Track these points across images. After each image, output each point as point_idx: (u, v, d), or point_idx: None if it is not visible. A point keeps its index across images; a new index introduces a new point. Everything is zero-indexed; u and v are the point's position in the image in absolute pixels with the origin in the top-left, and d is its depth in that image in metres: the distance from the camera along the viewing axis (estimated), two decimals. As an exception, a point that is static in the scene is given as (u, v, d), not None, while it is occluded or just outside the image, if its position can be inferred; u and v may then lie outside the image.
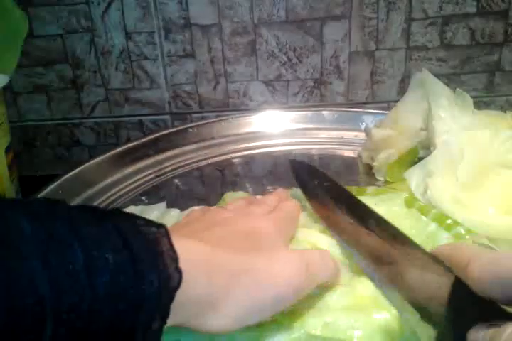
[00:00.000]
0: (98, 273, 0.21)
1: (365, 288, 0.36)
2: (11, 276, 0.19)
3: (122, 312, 0.22)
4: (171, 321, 0.24)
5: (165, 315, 0.24)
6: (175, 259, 0.24)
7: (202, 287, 0.26)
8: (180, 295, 0.24)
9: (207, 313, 0.27)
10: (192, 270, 0.25)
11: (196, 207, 0.48)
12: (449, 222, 0.44)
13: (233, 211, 0.39)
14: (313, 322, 0.33)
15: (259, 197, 0.47)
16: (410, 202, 0.46)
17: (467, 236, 0.42)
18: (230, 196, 0.52)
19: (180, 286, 0.24)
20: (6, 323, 0.19)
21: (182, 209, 0.51)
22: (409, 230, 0.41)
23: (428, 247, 0.32)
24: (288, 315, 0.34)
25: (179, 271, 0.24)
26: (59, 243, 0.21)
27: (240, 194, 0.52)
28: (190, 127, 0.68)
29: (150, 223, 0.26)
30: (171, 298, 0.24)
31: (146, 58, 0.73)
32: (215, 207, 0.45)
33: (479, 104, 0.56)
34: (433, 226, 0.43)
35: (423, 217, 0.45)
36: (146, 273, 0.23)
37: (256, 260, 0.31)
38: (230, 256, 0.29)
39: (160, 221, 0.26)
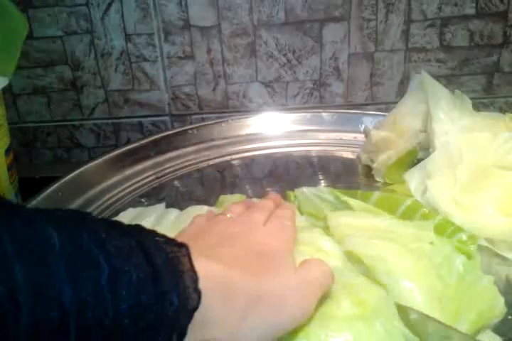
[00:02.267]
0: (122, 288, 0.22)
1: (368, 296, 0.36)
2: (38, 288, 0.19)
3: (142, 330, 0.22)
4: None
5: (182, 334, 0.24)
6: (195, 280, 0.24)
7: (218, 310, 0.26)
8: (197, 317, 0.24)
9: (221, 339, 0.27)
10: (209, 292, 0.25)
11: (197, 208, 0.47)
12: (451, 229, 0.44)
13: (238, 221, 0.38)
14: (316, 334, 0.33)
15: (254, 199, 0.47)
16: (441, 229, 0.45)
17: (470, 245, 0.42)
18: (225, 199, 0.52)
19: (199, 308, 0.24)
20: (30, 334, 0.19)
21: (181, 210, 0.51)
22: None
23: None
24: None
25: (198, 292, 0.24)
26: (86, 256, 0.22)
27: (236, 196, 0.52)
28: (190, 129, 0.68)
29: (171, 241, 0.26)
30: (189, 317, 0.24)
31: (145, 60, 0.74)
32: (214, 208, 0.45)
33: (478, 106, 0.56)
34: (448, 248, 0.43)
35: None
36: (168, 293, 0.23)
37: (271, 285, 0.30)
38: (246, 280, 0.29)
39: (159, 222, 0.26)
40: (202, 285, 0.25)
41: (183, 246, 0.26)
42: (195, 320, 0.24)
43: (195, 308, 0.24)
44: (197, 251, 0.28)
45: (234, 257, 0.32)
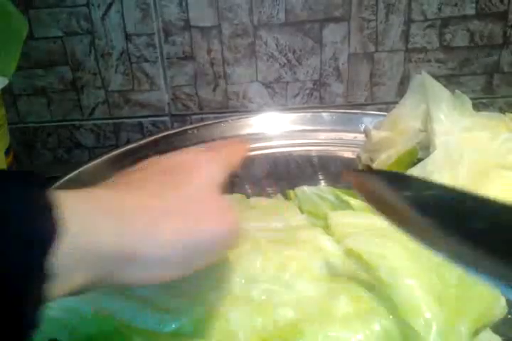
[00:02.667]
0: None
1: (367, 294, 0.36)
2: None
3: None
4: (87, 278, 0.23)
5: (41, 271, 0.21)
6: (48, 208, 0.21)
7: (110, 236, 0.24)
8: (82, 248, 0.22)
9: (127, 265, 0.25)
10: (88, 219, 0.23)
11: None
12: None
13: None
14: (314, 334, 0.33)
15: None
16: None
17: None
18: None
19: (78, 237, 0.22)
20: None
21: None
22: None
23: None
24: (288, 326, 0.33)
25: (53, 223, 0.21)
26: None
27: (235, 196, 0.52)
28: (190, 129, 0.68)
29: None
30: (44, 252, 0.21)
31: (146, 60, 0.74)
32: None
33: (478, 106, 0.56)
34: None
35: None
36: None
37: (179, 201, 0.29)
38: (145, 199, 0.28)
39: None
40: (69, 214, 0.22)
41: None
42: (80, 252, 0.22)
43: (50, 241, 0.21)
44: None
45: (132, 180, 0.30)
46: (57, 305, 0.34)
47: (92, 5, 0.70)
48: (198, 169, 0.32)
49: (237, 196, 0.52)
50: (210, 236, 0.29)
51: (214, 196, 0.31)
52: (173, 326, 0.33)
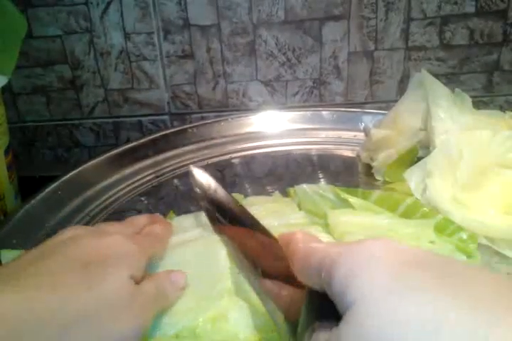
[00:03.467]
0: None
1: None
2: None
3: None
4: None
5: None
6: None
7: None
8: None
9: None
10: None
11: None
12: (452, 228, 0.44)
13: (87, 230, 0.35)
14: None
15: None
16: (442, 228, 0.45)
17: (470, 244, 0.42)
18: None
19: None
20: None
21: (181, 209, 0.51)
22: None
23: None
24: None
25: None
26: None
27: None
28: (190, 127, 0.68)
29: None
30: None
31: (145, 59, 0.73)
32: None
33: (478, 104, 0.56)
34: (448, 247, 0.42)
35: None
36: None
37: (88, 304, 0.28)
38: (55, 304, 0.27)
39: None
40: None
41: None
42: None
43: None
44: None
45: (45, 274, 0.29)
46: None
47: (91, 3, 0.70)
48: (116, 261, 0.31)
49: (233, 196, 0.52)
50: (119, 335, 0.29)
51: (129, 295, 0.30)
52: (175, 329, 0.33)
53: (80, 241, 0.32)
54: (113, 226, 0.37)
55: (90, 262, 0.30)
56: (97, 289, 0.29)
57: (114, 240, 0.33)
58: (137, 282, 0.32)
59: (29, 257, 0.31)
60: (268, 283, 0.32)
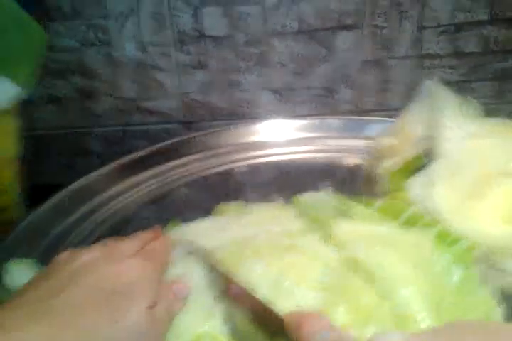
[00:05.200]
0: None
1: (364, 302, 0.36)
2: None
3: None
4: None
5: None
6: None
7: None
8: None
9: None
10: None
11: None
12: (451, 238, 0.43)
13: (97, 252, 0.35)
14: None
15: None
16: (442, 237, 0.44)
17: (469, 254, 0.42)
18: (223, 207, 0.52)
19: None
20: None
21: (188, 217, 0.51)
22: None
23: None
24: None
25: None
26: None
27: (234, 205, 0.52)
28: (196, 136, 0.68)
29: None
30: None
31: (160, 69, 0.75)
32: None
33: (489, 111, 0.55)
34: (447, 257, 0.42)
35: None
36: None
37: (114, 338, 0.30)
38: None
39: None
40: None
41: None
42: None
43: None
44: (16, 311, 0.27)
45: (68, 307, 0.30)
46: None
47: (109, 17, 0.72)
48: (136, 290, 0.32)
49: (234, 204, 0.53)
50: None
51: (148, 324, 0.32)
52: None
53: (94, 269, 0.33)
54: (120, 245, 0.37)
55: (110, 291, 0.31)
56: (122, 323, 0.30)
57: (129, 266, 0.34)
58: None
59: (46, 287, 0.31)
60: (236, 286, 0.33)
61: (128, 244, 0.38)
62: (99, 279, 0.32)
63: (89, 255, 0.35)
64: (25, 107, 0.75)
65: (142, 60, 0.74)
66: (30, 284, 0.33)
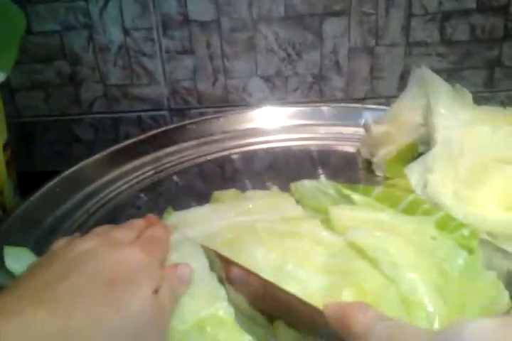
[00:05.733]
0: None
1: (369, 284, 0.36)
2: None
3: None
4: None
5: None
6: None
7: None
8: None
9: None
10: None
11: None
12: (453, 224, 0.44)
13: (97, 242, 0.35)
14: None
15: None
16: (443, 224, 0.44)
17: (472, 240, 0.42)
18: (219, 195, 0.51)
19: None
20: None
21: (181, 205, 0.51)
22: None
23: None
24: None
25: None
26: None
27: (230, 192, 0.52)
28: (189, 123, 0.68)
29: None
30: None
31: (144, 54, 0.73)
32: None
33: (479, 100, 0.56)
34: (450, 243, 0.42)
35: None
36: None
37: (118, 327, 0.29)
38: (88, 331, 0.28)
39: None
40: None
41: None
42: None
43: None
44: (23, 297, 0.27)
45: (74, 292, 0.29)
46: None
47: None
48: (137, 277, 0.32)
49: (231, 191, 0.52)
50: None
51: (153, 310, 0.31)
52: (180, 325, 0.34)
53: (96, 255, 0.33)
54: (117, 233, 0.37)
55: (113, 279, 0.31)
56: (125, 310, 0.30)
57: (130, 253, 0.33)
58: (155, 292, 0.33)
59: (49, 273, 0.31)
60: (236, 271, 0.33)
61: (125, 232, 0.37)
62: (100, 267, 0.32)
63: (89, 243, 0.34)
64: (9, 93, 0.74)
65: (126, 44, 0.72)
66: (32, 270, 0.33)
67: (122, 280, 0.31)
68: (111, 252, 0.33)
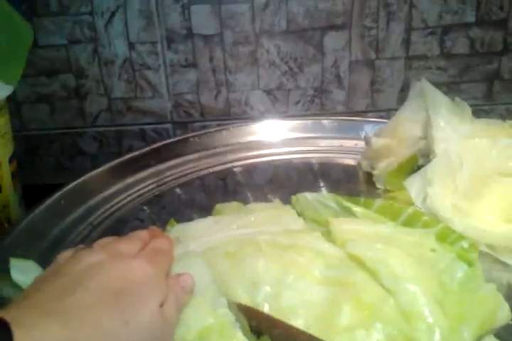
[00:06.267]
0: None
1: (368, 297, 0.36)
2: None
3: None
4: None
5: None
6: None
7: None
8: None
9: None
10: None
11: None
12: (453, 236, 0.44)
13: (102, 255, 0.35)
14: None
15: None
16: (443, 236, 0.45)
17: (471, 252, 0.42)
18: (221, 207, 0.52)
19: None
20: None
21: (184, 218, 0.51)
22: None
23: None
24: None
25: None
26: None
27: (232, 205, 0.53)
28: (192, 136, 0.68)
29: None
30: None
31: (148, 68, 0.74)
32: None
33: (479, 113, 0.56)
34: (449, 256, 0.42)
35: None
36: None
37: (127, 339, 0.30)
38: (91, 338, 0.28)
39: None
40: None
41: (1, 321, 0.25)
42: None
43: None
44: (30, 309, 0.28)
45: (83, 307, 0.30)
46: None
47: (96, 13, 0.70)
48: (144, 289, 0.32)
49: (233, 204, 0.53)
50: None
51: (160, 323, 0.32)
52: (180, 336, 0.34)
53: (102, 269, 0.33)
54: (122, 245, 0.37)
55: (120, 292, 0.31)
56: (134, 323, 0.30)
57: (136, 265, 0.34)
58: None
59: (56, 287, 0.31)
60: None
61: (130, 244, 0.37)
62: (107, 280, 0.32)
63: (94, 256, 0.34)
64: (15, 106, 0.75)
65: (130, 58, 0.73)
66: (39, 283, 0.33)
67: (129, 293, 0.31)
68: (117, 265, 0.33)
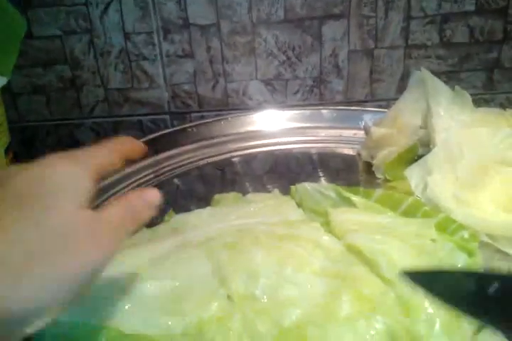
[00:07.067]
0: None
1: (368, 289, 0.36)
2: None
3: None
4: None
5: None
6: None
7: None
8: None
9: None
10: None
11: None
12: (453, 226, 0.44)
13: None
14: (317, 339, 0.33)
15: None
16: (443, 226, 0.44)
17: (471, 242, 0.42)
18: (220, 198, 0.52)
19: None
20: None
21: (182, 208, 0.51)
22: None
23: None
24: (292, 330, 0.33)
25: None
26: None
27: (231, 195, 0.52)
28: (190, 127, 0.68)
29: None
30: None
31: (144, 58, 0.73)
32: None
33: (479, 102, 0.56)
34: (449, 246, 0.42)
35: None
36: None
37: (40, 242, 0.25)
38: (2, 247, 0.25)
39: None
40: None
41: None
42: None
43: None
44: None
45: None
46: (61, 321, 0.33)
47: (91, 4, 0.70)
48: (53, 189, 0.28)
49: (232, 194, 0.52)
50: (84, 269, 0.26)
51: (85, 225, 0.28)
52: (180, 328, 0.34)
53: (22, 172, 0.29)
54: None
55: (28, 195, 0.27)
56: (44, 224, 0.26)
57: (56, 167, 0.30)
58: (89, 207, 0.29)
59: None
60: None
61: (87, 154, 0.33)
62: (19, 183, 0.28)
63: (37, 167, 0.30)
64: (11, 97, 0.74)
65: (126, 48, 0.73)
66: None
67: (39, 195, 0.27)
68: (34, 169, 0.29)
